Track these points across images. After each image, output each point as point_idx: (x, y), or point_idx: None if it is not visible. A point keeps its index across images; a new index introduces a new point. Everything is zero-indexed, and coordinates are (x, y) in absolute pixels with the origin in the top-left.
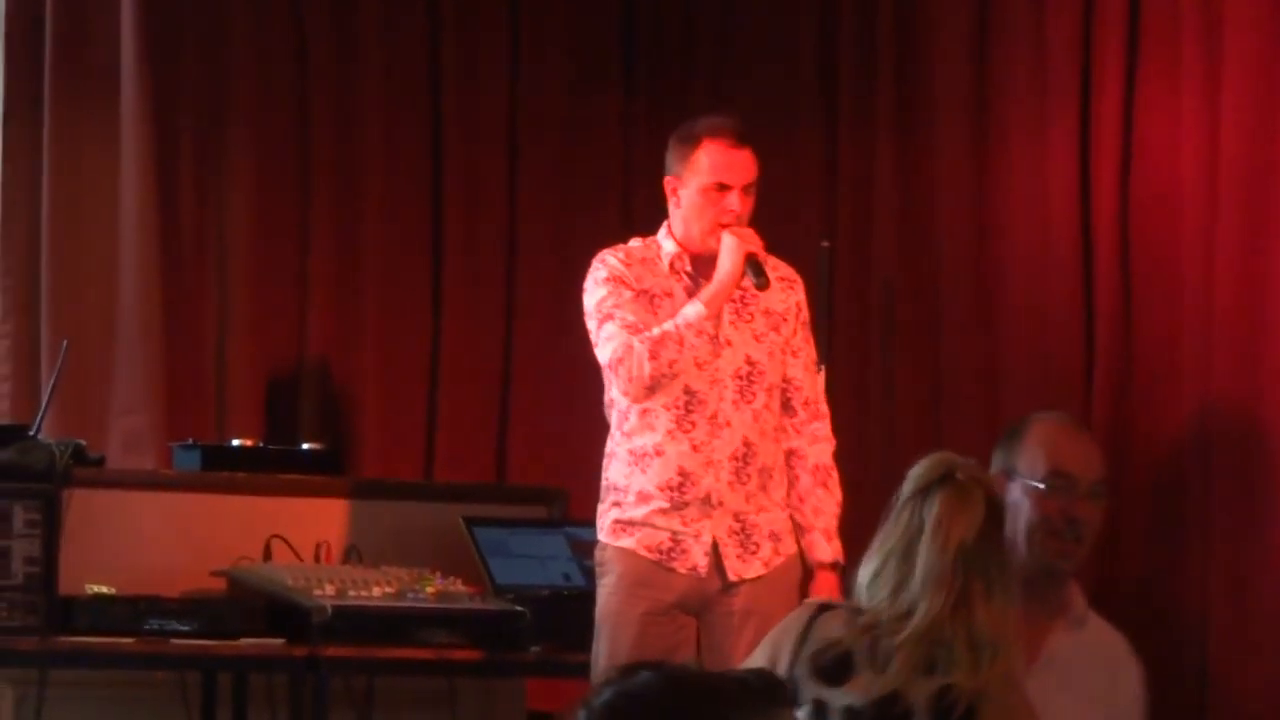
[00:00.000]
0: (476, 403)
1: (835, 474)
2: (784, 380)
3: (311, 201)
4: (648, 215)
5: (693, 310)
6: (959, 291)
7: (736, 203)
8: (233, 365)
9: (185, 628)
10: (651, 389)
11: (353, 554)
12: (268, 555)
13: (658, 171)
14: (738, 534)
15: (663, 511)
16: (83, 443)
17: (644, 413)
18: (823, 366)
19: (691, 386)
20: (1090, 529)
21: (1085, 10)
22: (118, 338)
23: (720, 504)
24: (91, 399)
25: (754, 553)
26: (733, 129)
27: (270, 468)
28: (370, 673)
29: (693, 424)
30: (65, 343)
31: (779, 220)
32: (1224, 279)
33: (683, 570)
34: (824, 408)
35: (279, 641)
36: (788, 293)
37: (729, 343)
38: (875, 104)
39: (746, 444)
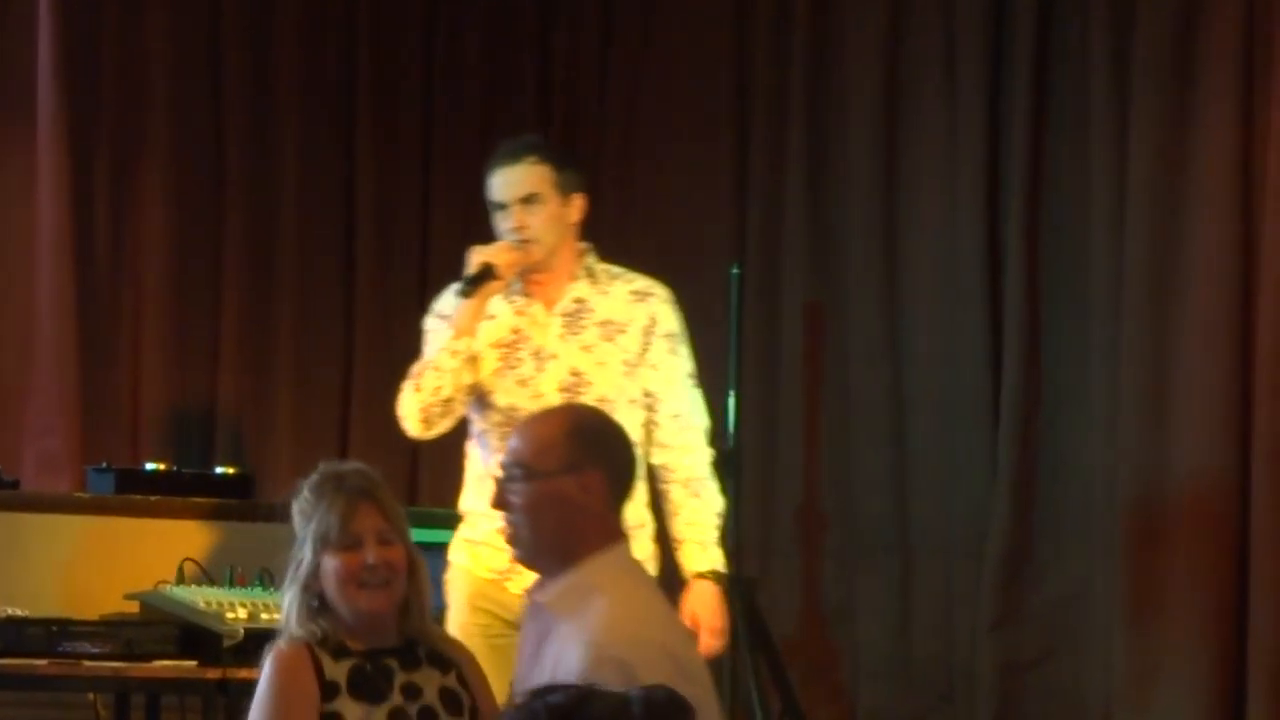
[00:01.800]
0: (389, 426)
1: (712, 483)
2: (645, 394)
3: (225, 226)
4: None
5: (446, 335)
6: (867, 317)
7: (512, 218)
8: (146, 389)
9: (98, 650)
10: (426, 420)
11: (265, 577)
12: (181, 578)
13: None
14: None
15: (494, 535)
16: None
17: (481, 434)
18: (697, 383)
19: (514, 404)
20: None
21: (994, 39)
22: (33, 361)
23: None
24: (6, 422)
25: None
26: (508, 148)
27: (183, 491)
28: None
29: None
30: None
31: (690, 245)
32: (1131, 303)
33: (516, 591)
34: (697, 420)
35: (191, 664)
36: (637, 305)
37: (555, 356)
38: (787, 131)
39: None
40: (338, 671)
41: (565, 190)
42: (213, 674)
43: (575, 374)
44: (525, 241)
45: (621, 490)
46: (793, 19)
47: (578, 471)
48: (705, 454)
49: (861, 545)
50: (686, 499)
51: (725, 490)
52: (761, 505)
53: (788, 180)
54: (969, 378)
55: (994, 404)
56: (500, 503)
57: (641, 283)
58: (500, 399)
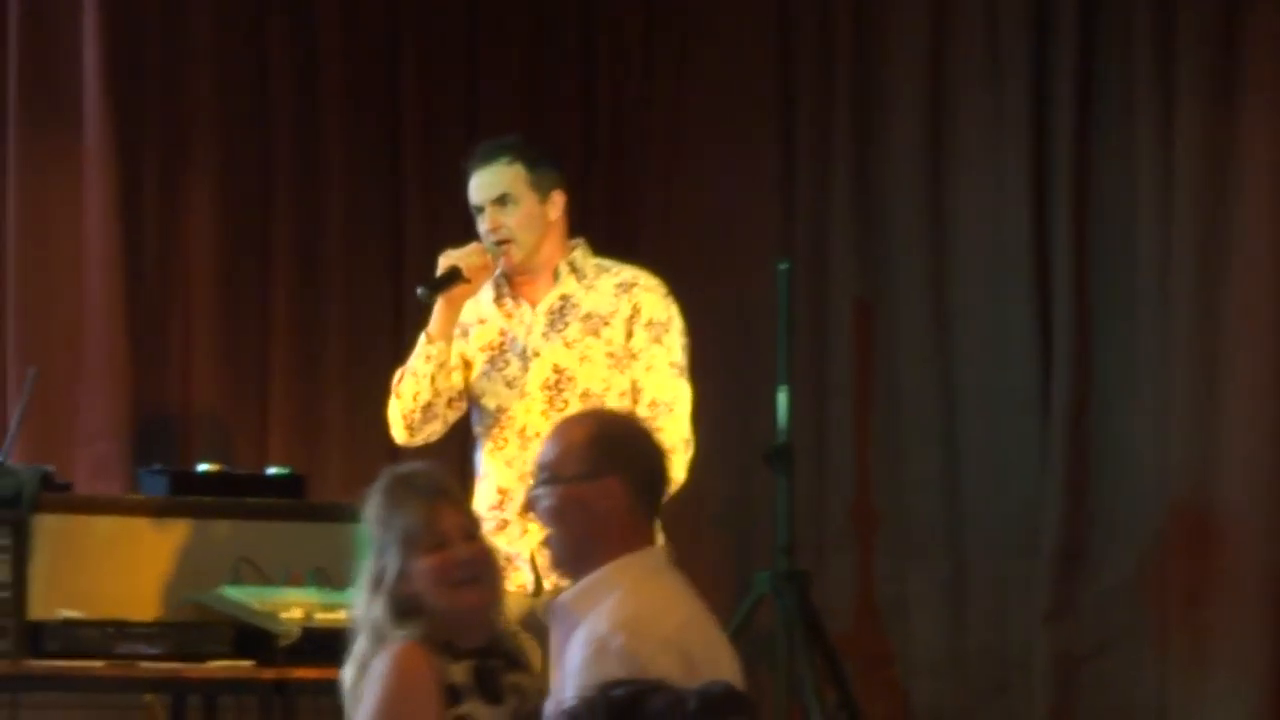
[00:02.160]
0: None
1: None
2: (633, 385)
3: (274, 227)
4: (606, 233)
5: (421, 339)
6: (917, 312)
7: (488, 220)
8: (198, 391)
9: (154, 651)
10: (410, 427)
11: (319, 576)
12: (235, 579)
13: (617, 195)
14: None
15: (492, 533)
16: (51, 469)
17: (477, 438)
18: (683, 374)
19: (503, 405)
20: None
21: (1037, 39)
22: (84, 365)
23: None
24: (59, 426)
25: None
26: (481, 149)
27: (236, 492)
28: (338, 694)
29: (505, 440)
30: (32, 371)
31: (737, 241)
32: (1180, 299)
33: (512, 589)
34: (679, 409)
35: (247, 664)
36: (620, 296)
37: (537, 354)
38: (832, 125)
39: None
40: (457, 673)
41: (541, 189)
42: (269, 674)
43: (558, 370)
44: (502, 243)
45: (647, 495)
46: (836, 14)
47: (598, 477)
48: (673, 436)
49: (914, 540)
50: None
51: (778, 486)
52: (814, 501)
53: (834, 176)
54: (1019, 371)
55: (1044, 398)
56: (528, 507)
57: (628, 274)
58: (489, 401)
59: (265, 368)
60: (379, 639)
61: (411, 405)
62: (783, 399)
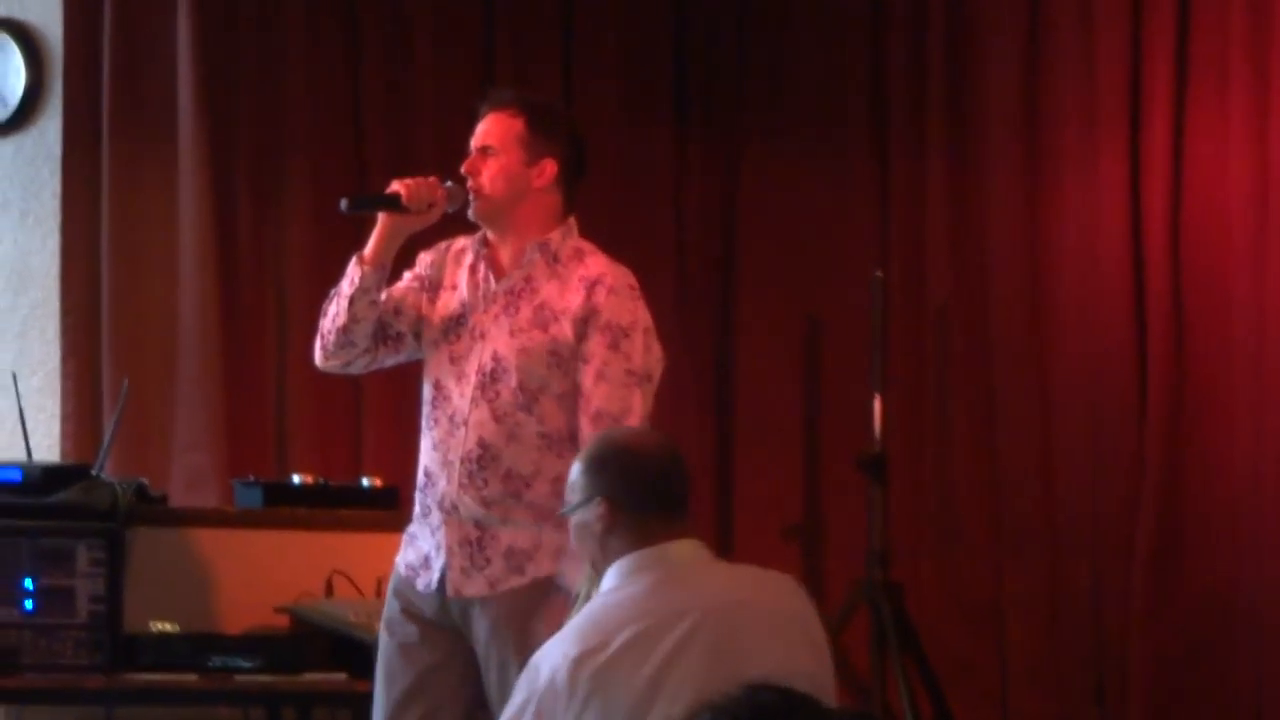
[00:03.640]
0: None
1: None
2: (579, 390)
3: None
4: (701, 242)
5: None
6: (1012, 318)
7: (467, 162)
8: (292, 402)
9: (248, 664)
10: (324, 347)
11: None
12: (329, 591)
13: (712, 202)
14: (469, 545)
15: (415, 519)
16: (145, 481)
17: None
18: (640, 382)
19: (441, 382)
20: None
21: (1133, 35)
22: (178, 376)
23: (454, 509)
24: (153, 437)
25: (481, 569)
26: (492, 93)
27: (331, 503)
28: None
29: (436, 420)
30: (126, 382)
31: (832, 250)
32: (1275, 304)
33: (420, 588)
34: (627, 422)
35: (342, 676)
36: (579, 292)
37: (483, 336)
38: (926, 133)
39: (482, 445)
40: None
41: (532, 150)
42: (363, 685)
43: (496, 359)
44: (473, 189)
45: (635, 505)
46: (929, 21)
47: (590, 502)
48: None
49: (1009, 545)
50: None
51: (872, 494)
52: (908, 508)
53: (928, 182)
54: (1114, 374)
55: (1140, 400)
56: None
57: (598, 268)
58: (431, 374)
59: (359, 378)
60: None
61: (329, 325)
62: (877, 406)
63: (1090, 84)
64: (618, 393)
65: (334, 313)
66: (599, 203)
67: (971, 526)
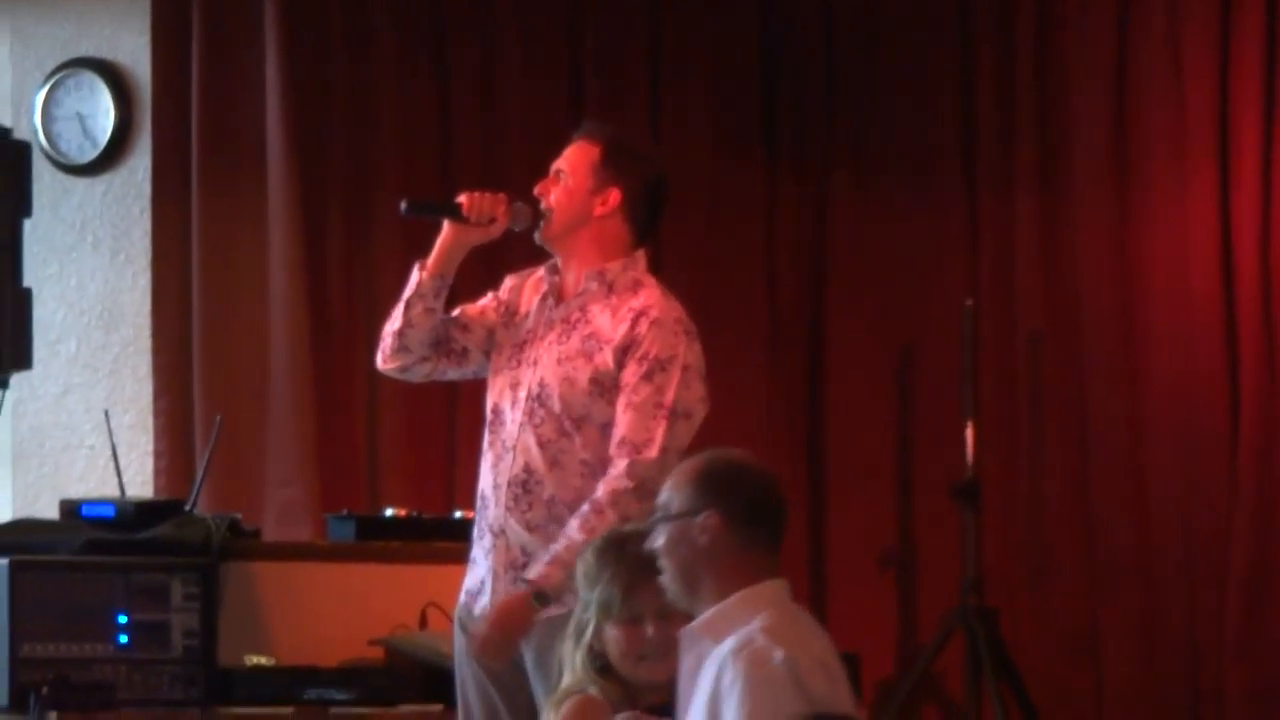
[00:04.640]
0: None
1: (601, 508)
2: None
3: (459, 271)
4: (792, 274)
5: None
6: (1103, 346)
7: (540, 184)
8: (384, 435)
9: (344, 696)
10: (383, 352)
11: None
12: (424, 623)
13: (802, 234)
14: (515, 569)
15: (475, 544)
16: (238, 516)
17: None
18: (675, 415)
19: (499, 405)
20: None
21: (1221, 62)
22: (270, 411)
23: (502, 532)
24: (246, 473)
25: None
26: (579, 126)
27: (424, 536)
28: None
29: (491, 444)
30: (219, 418)
31: (922, 280)
32: None
33: (477, 612)
34: (648, 452)
35: (438, 708)
36: (625, 323)
37: (536, 362)
38: (1015, 163)
39: (527, 470)
40: None
41: (600, 179)
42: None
43: (542, 385)
44: (542, 209)
45: (755, 526)
46: (1017, 46)
47: (698, 514)
48: (620, 480)
49: (1103, 572)
50: (573, 517)
51: (965, 521)
52: (1002, 535)
53: (1018, 211)
54: (1206, 401)
55: (1232, 427)
56: (653, 543)
57: (648, 300)
58: (490, 397)
59: (451, 410)
60: (575, 684)
61: (387, 329)
62: (969, 434)
63: (1179, 112)
64: (643, 423)
65: (394, 316)
66: (690, 238)
67: (1065, 553)
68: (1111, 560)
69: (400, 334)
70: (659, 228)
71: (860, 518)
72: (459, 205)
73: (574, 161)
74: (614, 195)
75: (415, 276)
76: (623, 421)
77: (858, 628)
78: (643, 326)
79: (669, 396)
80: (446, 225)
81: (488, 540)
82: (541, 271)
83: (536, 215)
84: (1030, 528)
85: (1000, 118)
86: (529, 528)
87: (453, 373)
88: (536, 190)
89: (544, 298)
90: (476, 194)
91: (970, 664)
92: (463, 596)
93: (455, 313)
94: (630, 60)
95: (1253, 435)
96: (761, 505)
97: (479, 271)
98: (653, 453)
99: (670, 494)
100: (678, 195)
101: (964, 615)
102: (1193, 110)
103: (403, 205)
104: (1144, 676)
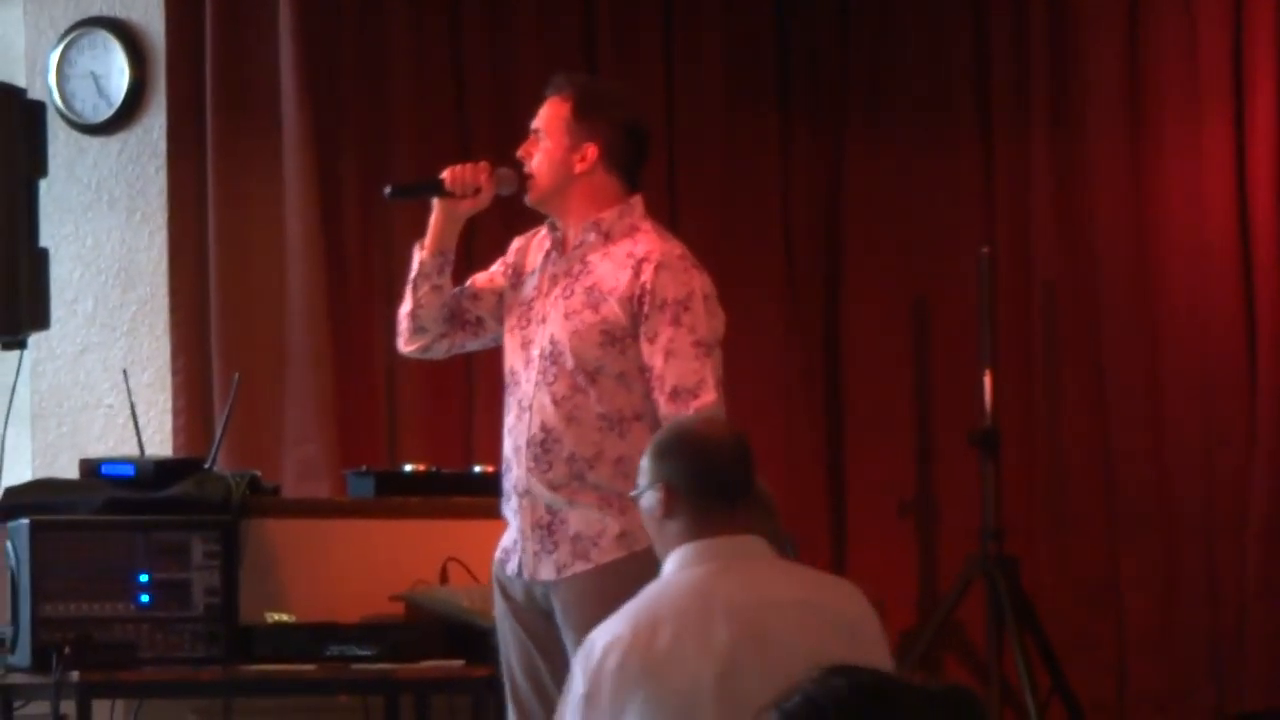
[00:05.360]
0: None
1: None
2: (643, 369)
3: (475, 223)
4: (807, 225)
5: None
6: (1119, 293)
7: (522, 147)
8: (402, 391)
9: (365, 652)
10: (400, 334)
11: None
12: (444, 578)
13: (817, 184)
14: (541, 529)
15: (505, 504)
16: (258, 473)
17: None
18: (709, 350)
19: (514, 367)
20: None
21: (1235, 8)
22: (288, 369)
23: (526, 493)
24: (264, 430)
25: (550, 554)
26: (551, 78)
27: (443, 491)
28: None
29: (509, 406)
30: (237, 376)
31: (938, 228)
32: None
33: (509, 571)
34: (705, 392)
35: (459, 663)
36: (627, 270)
37: (545, 319)
38: (1030, 112)
39: (545, 429)
40: None
41: (575, 135)
42: (481, 671)
43: (553, 342)
44: (525, 175)
45: (694, 492)
46: None
47: (652, 488)
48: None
49: (1123, 520)
50: None
51: (984, 470)
52: (1021, 484)
53: (1033, 159)
54: (1223, 347)
55: (1250, 372)
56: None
57: (646, 244)
58: (506, 361)
59: (469, 365)
60: None
61: (401, 312)
62: (987, 383)
63: (1192, 58)
64: (690, 366)
65: (406, 298)
66: (705, 189)
67: (1084, 501)
68: (1130, 507)
69: (413, 315)
70: (643, 170)
71: (879, 468)
72: (442, 181)
73: (548, 121)
74: (591, 150)
75: (416, 257)
76: (669, 372)
77: (878, 577)
78: (647, 274)
79: (701, 332)
80: (436, 202)
81: (514, 501)
82: (544, 229)
83: (522, 179)
84: (1049, 476)
85: (1015, 67)
86: (552, 486)
87: (473, 344)
88: (519, 152)
89: (547, 254)
90: (458, 167)
91: (991, 612)
92: (499, 553)
93: (466, 284)
94: (644, 9)
95: (1270, 380)
96: (706, 472)
97: (501, 237)
98: (710, 395)
99: (639, 471)
100: (693, 144)
101: (984, 564)
102: (1206, 57)
103: (386, 190)
104: (1164, 622)
